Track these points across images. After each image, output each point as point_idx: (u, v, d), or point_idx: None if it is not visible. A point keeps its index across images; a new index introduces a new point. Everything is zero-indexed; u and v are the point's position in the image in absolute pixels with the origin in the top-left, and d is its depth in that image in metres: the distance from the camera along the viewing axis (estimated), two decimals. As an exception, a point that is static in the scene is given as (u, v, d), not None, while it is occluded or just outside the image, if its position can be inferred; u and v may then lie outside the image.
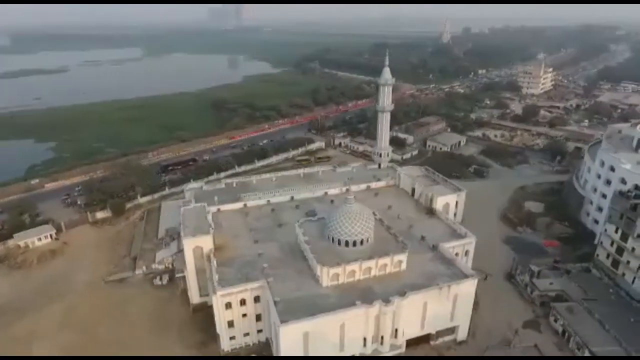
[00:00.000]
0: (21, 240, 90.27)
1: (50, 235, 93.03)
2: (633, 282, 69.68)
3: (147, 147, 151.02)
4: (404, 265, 62.09)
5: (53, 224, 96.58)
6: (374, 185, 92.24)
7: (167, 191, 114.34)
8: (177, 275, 76.73)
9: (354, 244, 62.76)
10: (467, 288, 60.49)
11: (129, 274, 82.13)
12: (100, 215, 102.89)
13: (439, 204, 79.35)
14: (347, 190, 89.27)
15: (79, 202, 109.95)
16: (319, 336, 53.51)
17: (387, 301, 55.33)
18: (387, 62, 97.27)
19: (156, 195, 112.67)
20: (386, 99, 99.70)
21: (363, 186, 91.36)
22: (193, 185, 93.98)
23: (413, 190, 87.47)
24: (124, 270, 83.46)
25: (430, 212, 79.82)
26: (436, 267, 63.87)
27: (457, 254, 69.07)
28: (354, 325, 54.92)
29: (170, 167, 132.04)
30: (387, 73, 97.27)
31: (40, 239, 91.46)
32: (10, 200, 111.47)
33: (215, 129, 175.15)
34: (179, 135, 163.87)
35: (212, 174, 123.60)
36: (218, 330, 61.19)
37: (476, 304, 70.34)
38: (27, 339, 67.27)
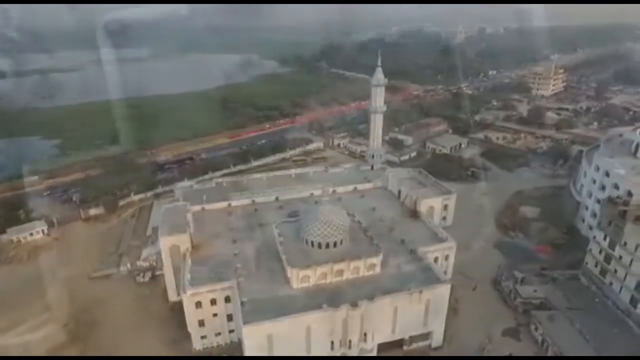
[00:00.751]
0: (14, 235, 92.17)
1: (42, 231, 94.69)
2: (620, 291, 67.24)
3: (148, 146, 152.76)
4: (377, 269, 61.17)
5: (46, 219, 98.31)
6: (360, 186, 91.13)
7: (160, 189, 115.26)
8: (158, 273, 77.40)
9: (327, 245, 62.06)
10: (441, 293, 59.19)
11: (113, 270, 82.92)
12: (93, 212, 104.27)
13: (423, 206, 77.96)
14: (334, 191, 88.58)
15: (73, 199, 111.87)
16: (284, 338, 53.05)
17: (354, 305, 54.52)
18: (379, 62, 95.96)
19: (149, 193, 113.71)
20: (378, 100, 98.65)
21: (350, 187, 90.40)
22: (184, 184, 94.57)
23: (400, 192, 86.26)
24: (109, 266, 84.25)
25: (415, 215, 78.51)
26: (412, 271, 62.67)
27: (436, 259, 67.88)
28: (321, 328, 54.26)
29: (166, 166, 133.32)
30: (379, 73, 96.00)
31: (31, 234, 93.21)
32: (7, 196, 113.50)
33: (216, 129, 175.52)
34: (179, 134, 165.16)
35: (207, 172, 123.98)
36: (189, 329, 61.36)
37: (457, 310, 69.50)
38: (7, 333, 68.34)
